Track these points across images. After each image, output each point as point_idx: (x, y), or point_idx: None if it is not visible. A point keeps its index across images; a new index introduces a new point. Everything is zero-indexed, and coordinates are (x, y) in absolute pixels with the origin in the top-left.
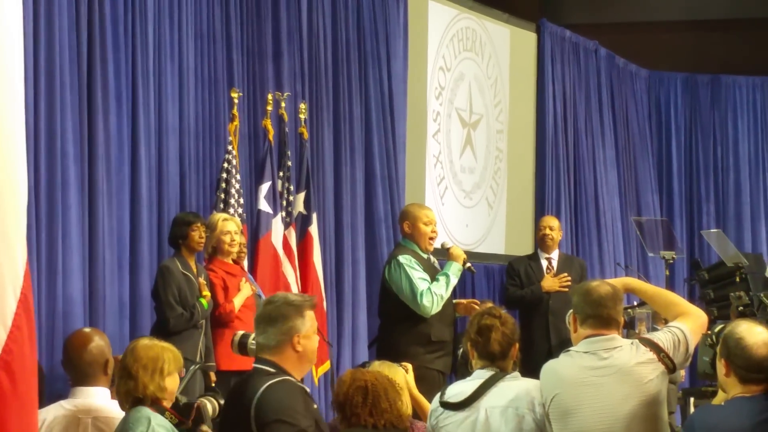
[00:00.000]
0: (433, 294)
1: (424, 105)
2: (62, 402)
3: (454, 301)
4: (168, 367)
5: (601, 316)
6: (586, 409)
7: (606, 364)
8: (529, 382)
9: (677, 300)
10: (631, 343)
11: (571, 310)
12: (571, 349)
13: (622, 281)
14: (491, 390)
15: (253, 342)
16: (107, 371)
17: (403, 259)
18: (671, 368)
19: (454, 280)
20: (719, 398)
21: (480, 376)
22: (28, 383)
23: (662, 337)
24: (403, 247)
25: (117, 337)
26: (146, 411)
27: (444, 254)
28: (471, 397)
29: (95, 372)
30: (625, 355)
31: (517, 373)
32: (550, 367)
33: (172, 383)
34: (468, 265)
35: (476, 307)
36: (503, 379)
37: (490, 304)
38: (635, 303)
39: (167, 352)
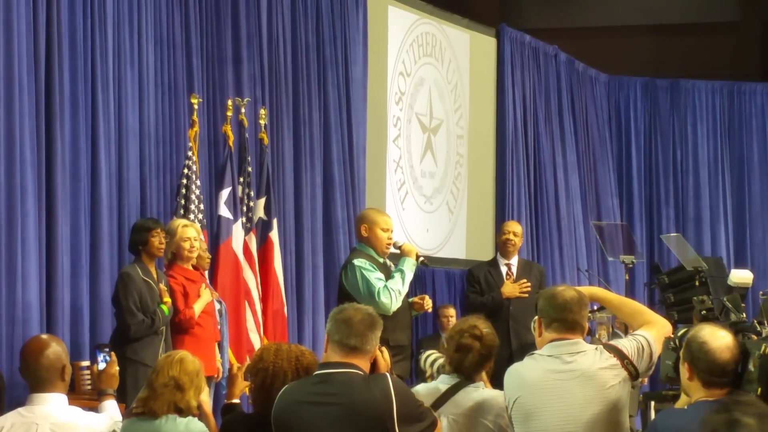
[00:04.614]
0: (390, 290)
1: (384, 110)
2: (20, 409)
3: (409, 300)
4: (203, 384)
5: (566, 320)
6: (548, 412)
7: (569, 368)
8: (492, 392)
9: (642, 309)
10: (595, 349)
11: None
12: (535, 352)
13: (588, 290)
14: (454, 397)
15: None
16: (64, 377)
17: (358, 262)
18: (634, 375)
19: (409, 275)
20: (682, 402)
21: (445, 381)
22: None
23: (627, 344)
24: (358, 251)
25: (76, 343)
26: (196, 420)
27: (398, 257)
28: (434, 405)
29: (52, 378)
30: (589, 360)
31: (481, 383)
32: (513, 369)
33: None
34: (421, 258)
35: (428, 301)
36: (466, 387)
37: (451, 309)
38: (595, 307)
39: (202, 369)
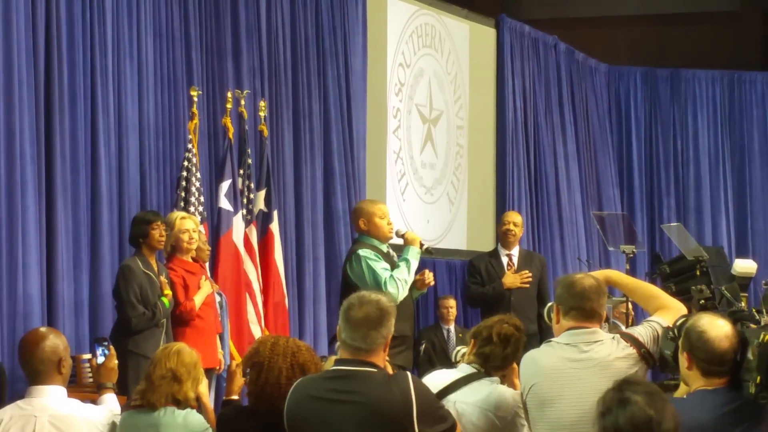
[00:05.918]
0: (396, 280)
1: (384, 101)
2: (19, 402)
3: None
4: (201, 376)
5: (584, 308)
6: (563, 401)
7: (585, 357)
8: (506, 389)
9: (657, 293)
10: (612, 338)
11: (552, 302)
12: (552, 339)
13: (603, 273)
14: (468, 386)
15: None
16: (61, 370)
17: (363, 252)
18: (651, 363)
19: (414, 264)
20: (681, 391)
21: (463, 370)
22: None
23: (642, 331)
24: (361, 242)
25: (77, 336)
26: (194, 412)
27: (400, 246)
28: (446, 389)
29: (48, 370)
30: (605, 350)
31: (497, 379)
32: (530, 356)
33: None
34: (425, 246)
35: (429, 275)
36: (482, 379)
37: (452, 300)
38: None
39: (200, 360)
